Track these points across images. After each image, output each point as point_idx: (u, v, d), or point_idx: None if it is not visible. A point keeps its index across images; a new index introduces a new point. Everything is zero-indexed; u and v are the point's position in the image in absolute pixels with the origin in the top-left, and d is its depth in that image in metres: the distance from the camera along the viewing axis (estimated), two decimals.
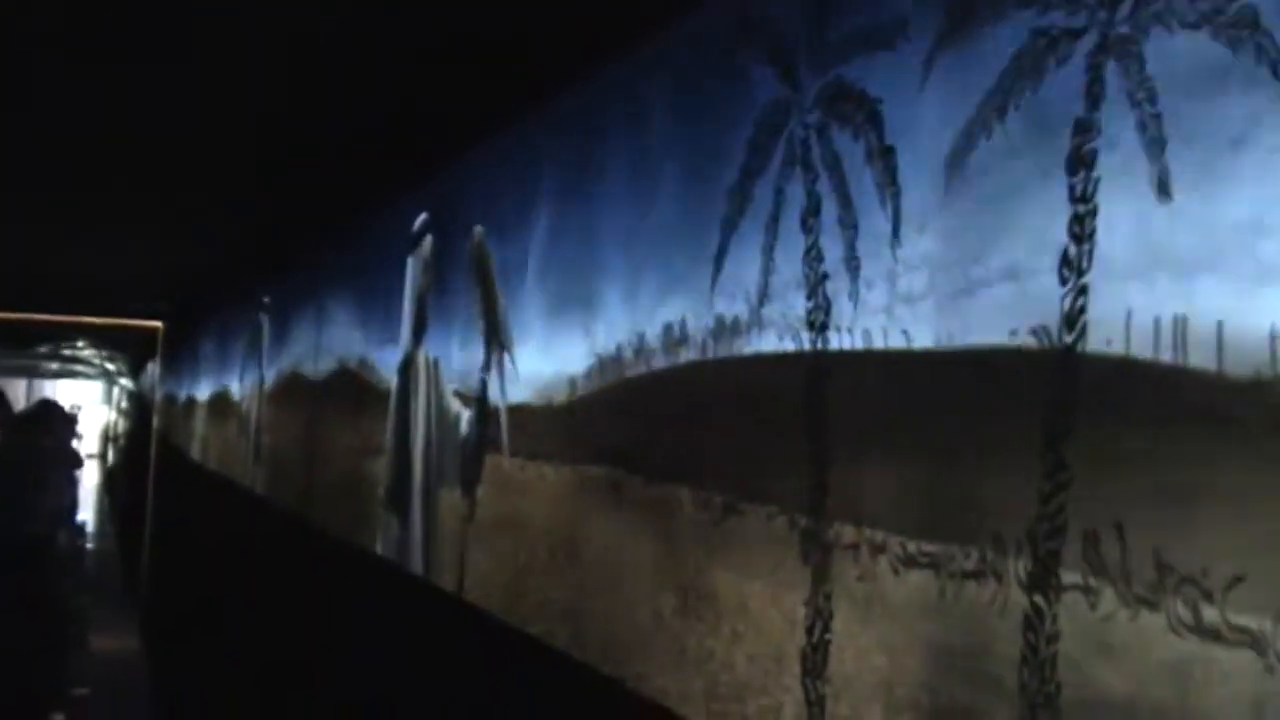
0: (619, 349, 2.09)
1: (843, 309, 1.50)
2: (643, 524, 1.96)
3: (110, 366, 20.86)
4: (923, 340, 1.36)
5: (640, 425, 2.01)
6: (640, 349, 2.02)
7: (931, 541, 1.32)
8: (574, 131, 2.39)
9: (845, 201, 1.52)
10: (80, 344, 15.20)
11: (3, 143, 4.06)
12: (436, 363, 3.13)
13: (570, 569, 2.22)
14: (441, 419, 3.07)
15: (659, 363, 1.97)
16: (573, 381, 2.28)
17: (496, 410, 2.66)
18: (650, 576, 1.93)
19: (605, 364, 2.14)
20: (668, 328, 1.94)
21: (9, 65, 3.04)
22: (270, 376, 5.59)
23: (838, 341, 1.51)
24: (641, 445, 1.99)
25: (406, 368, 3.41)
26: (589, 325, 2.22)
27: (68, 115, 3.58)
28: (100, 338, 13.46)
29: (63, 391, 26.61)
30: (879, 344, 1.43)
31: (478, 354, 2.81)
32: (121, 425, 19.71)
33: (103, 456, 23.29)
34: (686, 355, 1.88)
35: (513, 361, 2.60)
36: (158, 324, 9.27)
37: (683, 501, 1.85)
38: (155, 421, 9.94)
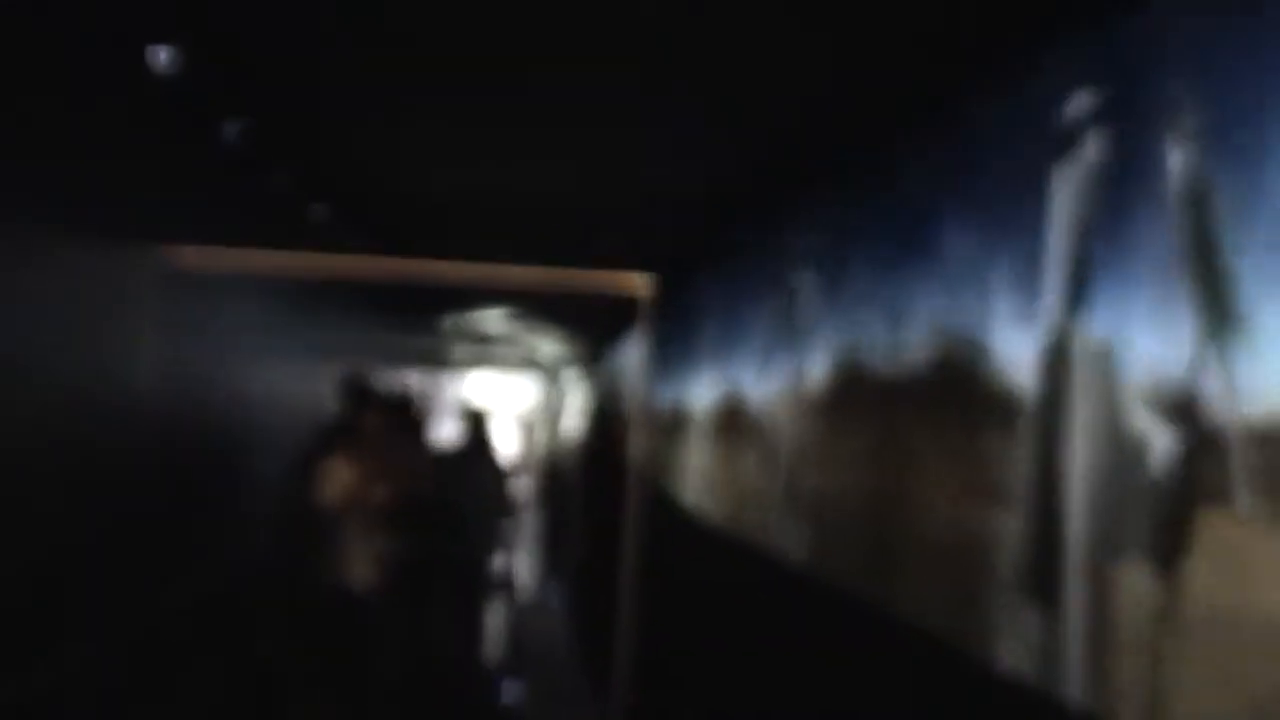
0: None
1: None
2: None
3: (549, 352, 22.90)
4: None
5: None
6: None
7: None
8: None
9: None
10: (509, 315, 16.82)
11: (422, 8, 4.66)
12: (1108, 349, 3.18)
13: None
14: (1116, 446, 3.12)
15: None
16: None
17: (1219, 433, 2.66)
18: None
19: None
20: None
21: None
22: (814, 369, 5.91)
23: None
24: None
25: (1054, 356, 3.49)
26: None
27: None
28: (541, 306, 14.84)
29: (473, 390, 29.68)
30: None
31: (1183, 334, 2.82)
32: (569, 443, 21.52)
33: (546, 498, 25.53)
34: None
35: (1250, 349, 2.59)
36: (640, 283, 9.96)
37: None
38: (635, 442, 10.78)
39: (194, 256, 7.44)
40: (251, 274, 8.93)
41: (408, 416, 11.21)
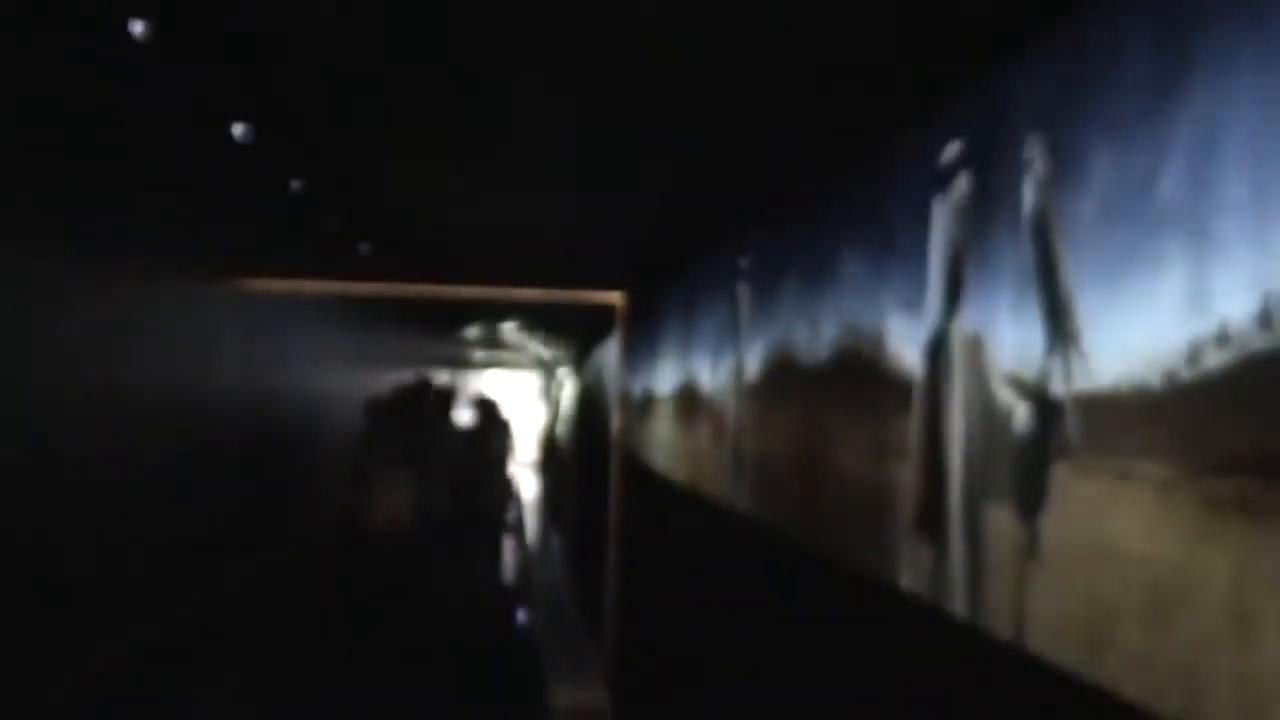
0: (1251, 309, 2.07)
1: None
2: None
3: (547, 354, 22.92)
4: None
5: None
6: None
7: None
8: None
9: None
10: (515, 324, 16.86)
11: (438, 90, 4.68)
12: (978, 341, 3.22)
13: (1183, 615, 2.23)
14: (986, 417, 3.15)
15: None
16: (1174, 362, 2.27)
17: (1062, 405, 2.71)
18: None
19: (1228, 332, 2.12)
20: None
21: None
22: (751, 362, 5.95)
23: None
24: None
25: (937, 348, 3.52)
26: (1199, 275, 2.21)
27: (511, 46, 4.07)
28: (539, 317, 14.87)
29: (489, 385, 29.68)
30: None
31: (1034, 330, 2.87)
32: (564, 423, 21.60)
33: (545, 466, 25.55)
34: None
35: (1083, 339, 2.63)
36: (615, 297, 10.05)
37: None
38: (615, 421, 10.85)
39: (266, 286, 7.49)
40: (313, 300, 8.97)
41: (446, 401, 11.58)
